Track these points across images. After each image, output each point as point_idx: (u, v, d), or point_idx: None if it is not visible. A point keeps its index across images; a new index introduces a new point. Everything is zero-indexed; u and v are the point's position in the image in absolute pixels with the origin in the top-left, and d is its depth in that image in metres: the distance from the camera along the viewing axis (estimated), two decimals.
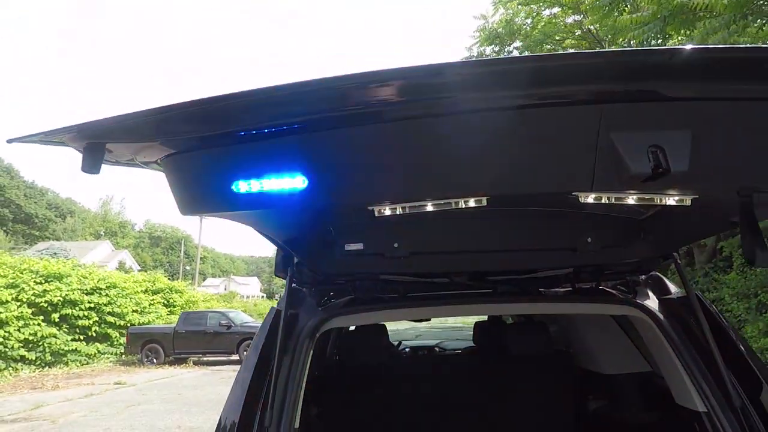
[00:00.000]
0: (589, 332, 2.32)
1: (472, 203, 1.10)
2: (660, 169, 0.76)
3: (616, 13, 6.64)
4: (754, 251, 0.98)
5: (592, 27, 11.08)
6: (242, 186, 0.89)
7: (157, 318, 15.52)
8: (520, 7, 11.38)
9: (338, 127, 0.85)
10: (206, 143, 0.92)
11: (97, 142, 0.91)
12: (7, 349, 11.03)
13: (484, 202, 1.11)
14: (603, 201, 1.10)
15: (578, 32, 12.98)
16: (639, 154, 0.78)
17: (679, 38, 6.53)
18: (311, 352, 1.43)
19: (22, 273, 12.23)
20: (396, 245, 1.43)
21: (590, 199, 1.07)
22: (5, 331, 11.01)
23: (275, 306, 1.62)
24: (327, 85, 0.75)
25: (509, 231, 1.49)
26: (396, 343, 4.00)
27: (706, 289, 10.24)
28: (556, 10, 12.53)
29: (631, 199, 1.10)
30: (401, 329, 5.30)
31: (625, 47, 9.51)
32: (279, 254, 1.56)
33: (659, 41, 6.62)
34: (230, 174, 0.90)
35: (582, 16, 11.57)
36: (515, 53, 11.51)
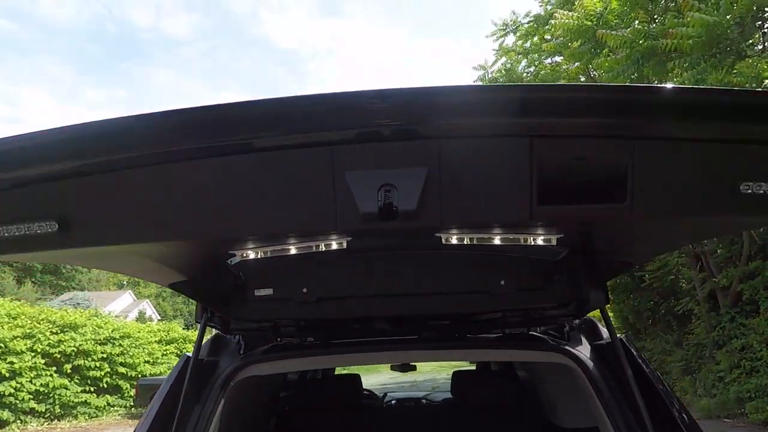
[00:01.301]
0: (548, 381, 2.22)
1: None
2: (392, 208, 0.77)
3: (600, 58, 6.80)
4: None
5: (595, 73, 11.33)
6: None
7: (168, 369, 15.45)
8: (520, 57, 11.74)
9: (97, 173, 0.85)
10: None
11: None
12: (17, 401, 11.08)
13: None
14: (464, 242, 1.10)
15: (582, 78, 13.25)
16: (370, 194, 0.78)
17: (655, 79, 6.60)
18: (222, 401, 1.41)
19: (39, 323, 12.50)
20: (305, 290, 1.43)
21: (453, 240, 1.07)
22: (17, 383, 11.11)
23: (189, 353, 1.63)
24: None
25: (421, 274, 1.49)
26: (381, 395, 3.87)
27: (733, 335, 9.63)
28: (558, 58, 12.90)
29: (497, 240, 1.10)
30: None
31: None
32: None
33: (640, 82, 6.71)
34: None
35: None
36: None
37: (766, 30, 5.34)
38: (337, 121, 0.78)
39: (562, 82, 12.87)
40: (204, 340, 1.51)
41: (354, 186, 0.80)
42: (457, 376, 2.68)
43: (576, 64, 9.32)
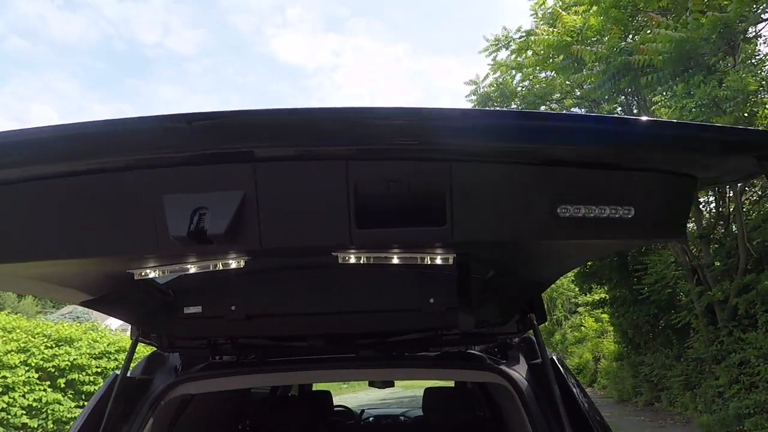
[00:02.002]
0: (503, 400, 2.20)
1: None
2: (204, 231, 0.77)
3: (580, 74, 6.88)
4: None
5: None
6: None
7: None
8: (513, 71, 11.84)
9: None
10: None
11: None
12: (9, 416, 11.01)
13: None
14: (361, 261, 1.10)
15: (578, 92, 13.32)
16: (183, 217, 0.79)
17: (631, 91, 6.65)
18: (150, 420, 1.41)
19: (34, 337, 12.46)
20: (233, 308, 1.43)
21: (352, 259, 1.07)
22: (10, 397, 11.04)
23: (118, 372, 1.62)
24: None
25: (350, 292, 1.49)
26: (359, 412, 3.83)
27: (731, 350, 9.51)
28: (552, 73, 13.00)
29: (395, 259, 1.10)
30: None
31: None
32: None
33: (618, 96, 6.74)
34: None
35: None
36: None
37: (734, 44, 5.40)
38: (154, 145, 0.79)
39: (557, 95, 12.95)
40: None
41: (168, 209, 0.80)
42: (429, 393, 2.66)
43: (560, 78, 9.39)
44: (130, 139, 0.77)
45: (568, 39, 6.46)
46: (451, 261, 1.10)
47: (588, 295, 19.05)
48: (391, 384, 3.90)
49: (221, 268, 1.09)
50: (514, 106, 11.81)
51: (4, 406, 10.77)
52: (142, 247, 0.87)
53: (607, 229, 0.88)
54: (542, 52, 7.77)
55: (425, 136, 0.79)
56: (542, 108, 12.42)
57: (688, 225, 11.48)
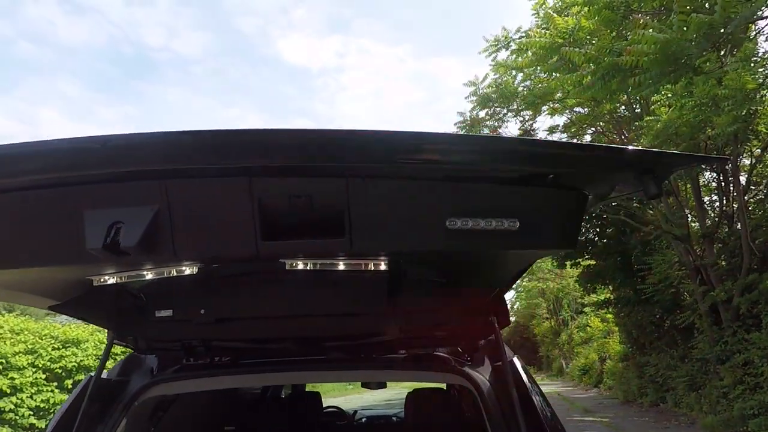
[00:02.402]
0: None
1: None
2: (118, 243, 0.82)
3: (575, 73, 6.87)
4: None
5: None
6: None
7: None
8: (514, 72, 11.82)
9: None
10: None
11: None
12: (17, 417, 11.17)
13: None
14: (308, 267, 1.14)
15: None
16: (99, 230, 0.85)
17: (623, 95, 6.63)
18: (123, 420, 1.45)
19: (41, 338, 12.63)
20: (202, 311, 1.47)
21: (299, 266, 1.11)
22: (18, 398, 11.22)
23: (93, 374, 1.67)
24: None
25: (314, 296, 1.52)
26: (351, 412, 3.87)
27: (736, 350, 9.42)
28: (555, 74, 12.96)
29: (341, 265, 1.14)
30: None
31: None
32: None
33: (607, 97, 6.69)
34: None
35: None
36: (509, 115, 11.78)
37: (719, 45, 5.38)
38: (75, 165, 0.84)
39: (558, 95, 12.88)
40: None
41: (87, 223, 0.86)
42: (412, 395, 2.69)
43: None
44: (54, 159, 0.82)
45: (560, 41, 6.48)
46: (383, 267, 1.15)
47: (593, 295, 18.94)
48: (383, 385, 3.93)
49: (175, 274, 1.14)
50: (514, 106, 11.82)
51: (12, 407, 10.95)
52: (68, 258, 0.92)
53: (495, 240, 0.93)
54: (537, 53, 7.79)
55: (321, 156, 0.84)
56: (543, 108, 12.40)
57: (692, 224, 11.40)
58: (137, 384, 1.55)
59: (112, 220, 0.85)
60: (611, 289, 16.08)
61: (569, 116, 12.90)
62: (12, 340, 11.76)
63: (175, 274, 1.15)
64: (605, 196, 1.05)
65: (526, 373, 1.59)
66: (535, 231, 0.94)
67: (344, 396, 18.21)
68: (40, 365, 11.91)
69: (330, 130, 0.79)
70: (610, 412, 13.16)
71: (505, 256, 1.11)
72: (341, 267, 1.13)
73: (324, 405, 3.69)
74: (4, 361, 11.18)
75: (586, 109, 12.31)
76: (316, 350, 1.67)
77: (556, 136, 13.40)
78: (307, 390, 3.50)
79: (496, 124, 12.26)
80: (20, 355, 11.59)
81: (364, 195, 0.88)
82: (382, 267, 1.16)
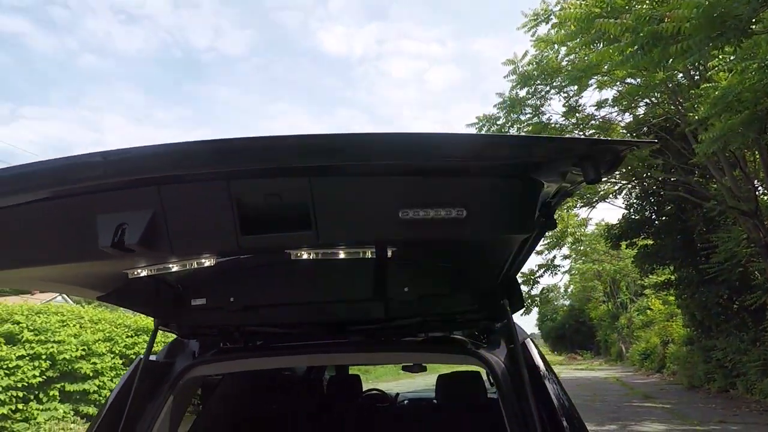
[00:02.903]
0: None
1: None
2: (123, 242, 0.94)
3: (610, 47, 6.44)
4: None
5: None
6: None
7: None
8: (556, 46, 11.29)
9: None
10: None
11: None
12: (101, 398, 12.37)
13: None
14: (311, 257, 1.22)
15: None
16: (108, 231, 0.98)
17: (664, 64, 6.09)
18: (170, 398, 1.63)
19: (117, 327, 13.85)
20: (232, 299, 1.61)
21: (304, 255, 1.21)
22: (100, 381, 12.42)
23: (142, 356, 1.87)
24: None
25: (335, 282, 1.61)
26: (394, 395, 4.01)
27: None
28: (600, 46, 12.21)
29: (341, 254, 1.22)
30: None
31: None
32: None
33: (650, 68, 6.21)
34: None
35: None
36: (552, 92, 11.30)
37: None
38: (86, 177, 0.99)
39: (605, 68, 12.16)
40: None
41: (99, 225, 1.01)
42: (442, 378, 2.75)
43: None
44: (70, 174, 0.97)
45: (597, 11, 6.09)
46: (390, 255, 1.22)
47: (652, 276, 17.93)
48: (424, 368, 4.02)
49: (196, 266, 1.27)
50: (557, 82, 11.30)
51: (95, 388, 12.16)
52: (88, 255, 1.06)
53: (444, 227, 0.99)
54: (575, 26, 7.38)
55: (284, 159, 0.95)
56: (591, 82, 11.77)
57: (762, 197, 10.44)
58: (181, 365, 1.73)
59: (119, 222, 0.99)
60: (672, 269, 15.18)
61: (619, 89, 12.18)
62: (92, 329, 12.99)
63: (196, 266, 1.29)
64: (561, 182, 1.06)
65: (541, 356, 1.61)
66: (483, 218, 1.00)
67: (396, 381, 18.60)
68: (117, 351, 13.10)
69: (291, 135, 0.89)
70: (673, 398, 12.53)
71: (498, 240, 1.16)
72: (341, 256, 1.22)
73: (368, 388, 3.85)
74: (86, 347, 12.36)
75: (638, 80, 11.55)
76: (336, 334, 1.78)
77: (605, 111, 12.70)
78: (349, 373, 3.66)
79: (538, 102, 11.80)
80: (100, 342, 12.80)
81: (325, 191, 0.98)
82: (390, 255, 1.23)
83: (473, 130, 12.19)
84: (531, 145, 1.02)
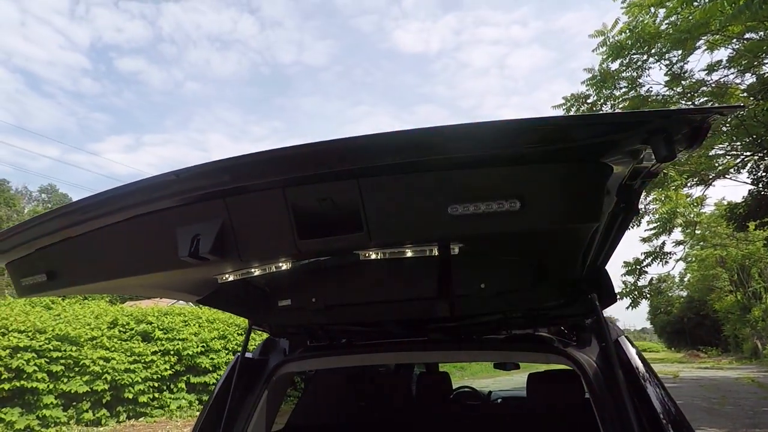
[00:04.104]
0: None
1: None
2: (198, 250, 1.03)
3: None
4: None
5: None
6: None
7: None
8: (652, 9, 10.14)
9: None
10: None
11: None
12: None
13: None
14: (378, 257, 1.22)
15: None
16: (186, 241, 1.05)
17: None
18: (265, 392, 1.74)
19: (229, 326, 15.28)
20: (314, 300, 1.68)
21: (372, 255, 1.21)
22: (218, 374, 13.80)
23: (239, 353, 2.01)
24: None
25: (408, 280, 1.60)
26: (486, 393, 3.94)
27: None
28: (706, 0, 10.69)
29: (409, 252, 1.20)
30: None
31: None
32: None
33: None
34: None
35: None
36: (651, 61, 10.16)
37: None
38: (163, 195, 1.09)
39: (713, 27, 10.66)
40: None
41: (179, 238, 1.09)
42: (533, 377, 2.62)
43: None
44: (151, 192, 1.07)
45: None
46: (457, 252, 1.17)
47: None
48: (517, 366, 3.87)
49: (275, 270, 1.34)
50: (655, 50, 10.10)
51: (213, 381, 13.55)
52: (173, 264, 1.16)
53: (498, 221, 0.93)
54: None
55: (331, 163, 0.95)
56: (699, 44, 10.38)
57: None
58: (273, 362, 1.85)
59: (194, 233, 1.09)
60: None
61: (736, 46, 10.57)
62: (209, 328, 14.48)
63: (275, 269, 1.36)
64: (633, 163, 0.93)
65: (639, 355, 1.44)
66: (539, 209, 0.93)
67: (493, 378, 18.12)
68: (230, 348, 14.46)
69: (336, 139, 0.90)
70: None
71: (564, 231, 1.06)
72: (408, 254, 1.20)
73: (460, 385, 3.80)
74: (205, 344, 13.82)
75: (760, 34, 9.93)
76: (417, 332, 1.77)
77: (718, 75, 11.13)
78: (438, 370, 3.64)
79: (634, 74, 10.66)
80: (215, 339, 14.24)
81: (373, 192, 0.98)
82: (457, 252, 1.20)
83: (560, 112, 11.41)
84: (581, 125, 0.92)
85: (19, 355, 10.37)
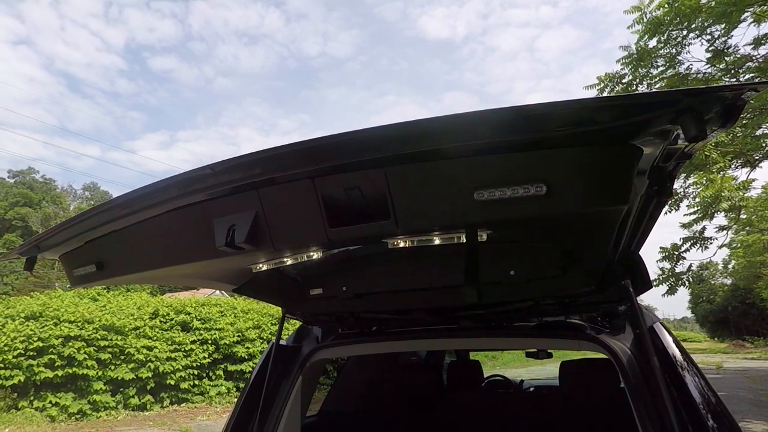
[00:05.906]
0: None
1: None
2: (233, 240, 1.07)
3: None
4: None
5: None
6: None
7: None
8: None
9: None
10: None
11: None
12: None
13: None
14: (407, 245, 1.22)
15: None
16: (222, 231, 1.09)
17: None
18: (299, 378, 1.79)
19: (263, 316, 15.71)
20: (344, 288, 1.70)
21: (400, 243, 1.21)
22: (253, 363, 14.24)
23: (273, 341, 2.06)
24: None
25: (437, 268, 1.60)
26: (518, 381, 3.93)
27: None
28: None
29: (437, 240, 1.19)
30: None
31: None
32: None
33: None
34: None
35: None
36: (691, 36, 9.63)
37: None
38: (199, 188, 1.14)
39: None
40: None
41: (216, 228, 1.14)
42: (565, 365, 2.58)
43: None
44: (188, 185, 1.12)
45: None
46: (485, 238, 1.17)
47: None
48: (550, 355, 3.82)
49: (306, 259, 1.37)
50: (695, 24, 9.56)
51: (249, 369, 14.00)
52: (212, 254, 1.20)
53: (524, 205, 0.92)
54: None
55: (357, 153, 0.97)
56: (744, 15, 9.77)
57: None
58: (307, 349, 1.90)
59: (230, 224, 1.13)
60: None
61: None
62: (244, 318, 14.92)
63: (306, 259, 1.39)
64: (663, 143, 0.88)
65: (676, 343, 1.39)
66: (566, 193, 0.91)
67: (526, 367, 17.93)
68: (264, 337, 14.88)
69: (361, 129, 0.92)
70: None
71: (592, 215, 1.03)
72: (437, 242, 1.21)
73: (491, 374, 3.79)
74: (241, 334, 14.26)
75: None
76: (447, 319, 1.77)
77: (765, 49, 10.44)
78: (469, 358, 3.64)
79: (673, 51, 10.14)
80: (250, 329, 14.68)
81: (400, 180, 0.98)
82: (485, 238, 1.19)
83: (593, 93, 11.01)
84: (606, 107, 0.89)
85: (70, 343, 11.02)
